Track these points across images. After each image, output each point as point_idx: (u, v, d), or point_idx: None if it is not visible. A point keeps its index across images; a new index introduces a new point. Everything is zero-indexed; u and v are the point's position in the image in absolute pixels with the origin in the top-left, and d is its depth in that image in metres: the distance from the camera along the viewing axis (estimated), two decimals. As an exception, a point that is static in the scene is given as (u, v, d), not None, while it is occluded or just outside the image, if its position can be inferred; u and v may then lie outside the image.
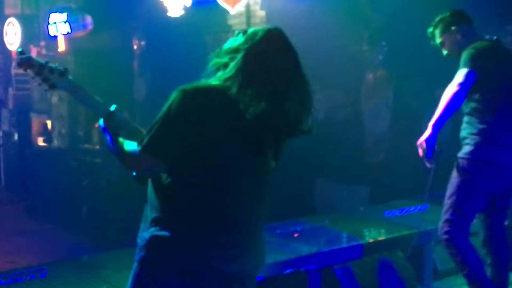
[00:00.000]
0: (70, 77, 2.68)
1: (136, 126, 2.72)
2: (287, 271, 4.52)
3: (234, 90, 2.41)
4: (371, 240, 5.10)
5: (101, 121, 2.66)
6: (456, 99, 4.06)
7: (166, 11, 8.07)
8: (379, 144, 7.69)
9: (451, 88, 4.08)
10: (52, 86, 2.67)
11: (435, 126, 4.06)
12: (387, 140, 7.58)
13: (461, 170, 4.21)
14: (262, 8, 7.95)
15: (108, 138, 2.62)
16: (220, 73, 2.49)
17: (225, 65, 2.48)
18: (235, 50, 2.49)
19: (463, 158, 4.22)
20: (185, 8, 8.05)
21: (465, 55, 4.18)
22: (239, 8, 7.68)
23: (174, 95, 2.40)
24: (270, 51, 2.47)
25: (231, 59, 2.47)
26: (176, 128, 2.38)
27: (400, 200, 6.40)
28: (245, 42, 2.48)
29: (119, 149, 2.58)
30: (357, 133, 7.76)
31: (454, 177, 4.25)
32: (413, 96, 7.21)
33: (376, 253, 5.11)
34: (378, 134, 7.69)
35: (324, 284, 4.72)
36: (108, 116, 2.65)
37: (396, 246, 5.26)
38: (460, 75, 4.11)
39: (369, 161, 7.66)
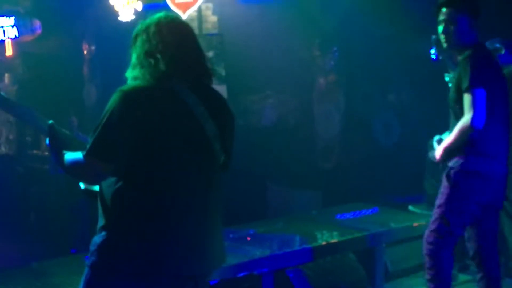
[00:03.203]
0: (2, 93, 2.61)
1: (81, 142, 2.69)
2: (241, 274, 4.52)
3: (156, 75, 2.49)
4: (323, 243, 5.13)
5: (47, 140, 2.63)
6: None
7: (117, 15, 7.99)
8: (331, 148, 7.76)
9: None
10: None
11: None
12: (338, 144, 7.65)
13: (451, 181, 4.05)
14: (214, 13, 7.93)
15: (53, 155, 2.60)
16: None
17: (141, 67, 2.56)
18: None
19: (453, 168, 4.06)
20: (136, 13, 7.97)
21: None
22: (191, 13, 7.65)
23: (113, 96, 2.44)
24: (164, 29, 2.69)
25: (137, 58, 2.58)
26: (119, 129, 2.39)
27: (352, 204, 6.47)
28: (135, 37, 2.71)
29: (64, 162, 2.56)
30: (308, 137, 7.82)
31: (444, 187, 4.09)
32: (364, 100, 7.30)
33: (328, 256, 5.15)
34: (330, 138, 7.75)
35: (277, 287, 4.74)
36: (51, 133, 2.62)
37: (348, 248, 5.32)
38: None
39: (321, 165, 7.72)
